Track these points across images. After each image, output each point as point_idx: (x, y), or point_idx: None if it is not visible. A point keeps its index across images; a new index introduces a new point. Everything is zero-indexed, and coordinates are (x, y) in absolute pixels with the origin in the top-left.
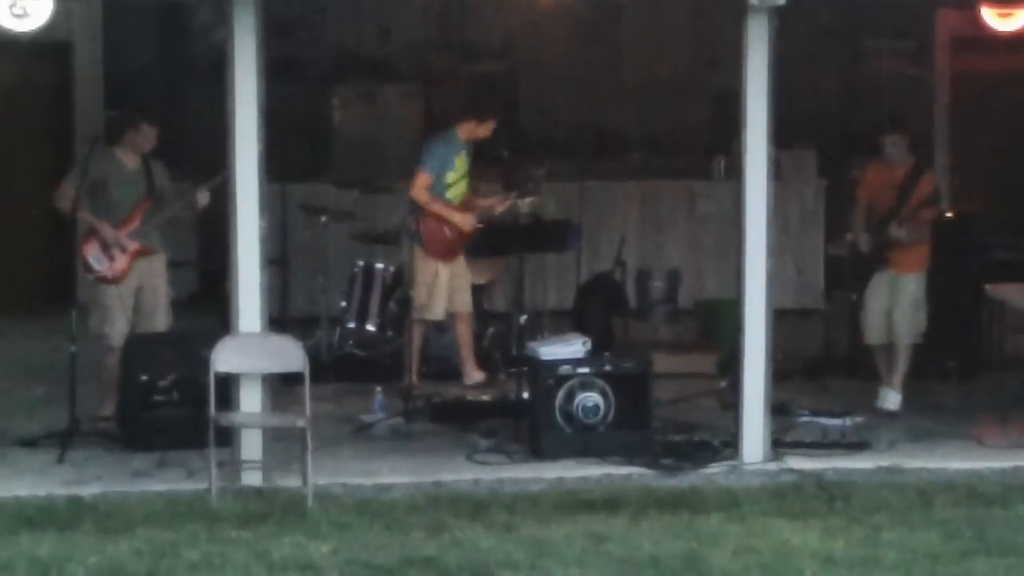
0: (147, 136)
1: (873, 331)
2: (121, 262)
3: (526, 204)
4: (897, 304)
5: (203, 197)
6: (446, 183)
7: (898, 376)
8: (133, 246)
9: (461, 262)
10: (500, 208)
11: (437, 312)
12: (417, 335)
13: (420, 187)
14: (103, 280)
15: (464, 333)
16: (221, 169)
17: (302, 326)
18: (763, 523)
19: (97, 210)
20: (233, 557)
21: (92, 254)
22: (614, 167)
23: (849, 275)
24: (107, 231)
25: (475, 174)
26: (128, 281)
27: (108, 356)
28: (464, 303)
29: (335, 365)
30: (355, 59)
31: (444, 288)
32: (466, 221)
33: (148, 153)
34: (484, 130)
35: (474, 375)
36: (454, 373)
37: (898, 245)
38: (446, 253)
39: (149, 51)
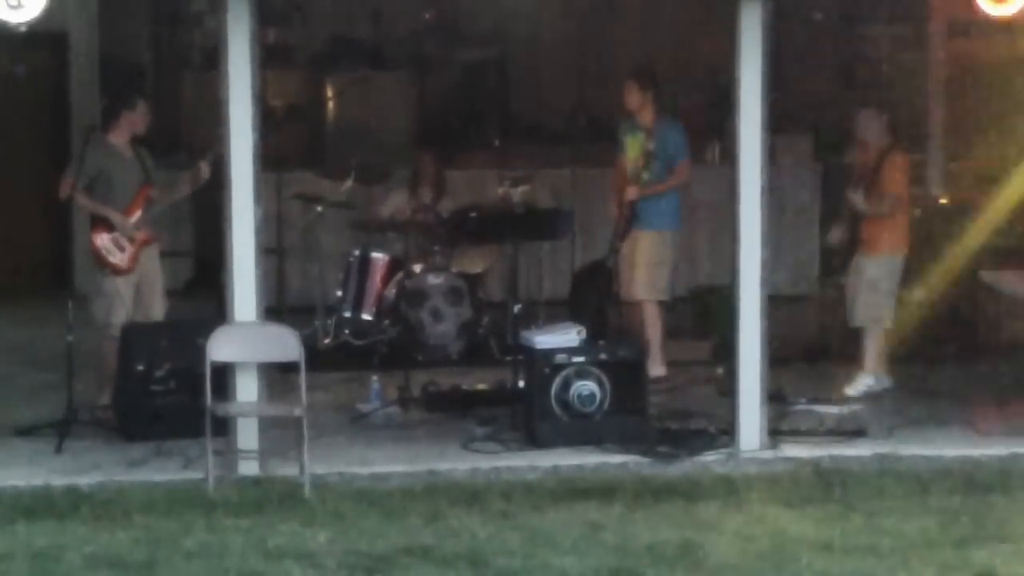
0: (143, 115)
1: (848, 313)
2: (131, 252)
3: (518, 193)
4: (857, 285)
5: (205, 168)
6: (628, 165)
7: (867, 361)
8: (141, 235)
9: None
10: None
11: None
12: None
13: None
14: (117, 271)
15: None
16: (213, 145)
17: (298, 315)
18: (760, 511)
19: (102, 201)
20: (230, 546)
21: (104, 245)
22: (607, 153)
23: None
24: (118, 218)
25: (465, 160)
26: (134, 271)
27: (106, 345)
28: None
29: (331, 354)
30: (348, 46)
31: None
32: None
33: (135, 138)
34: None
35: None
36: (449, 362)
37: (866, 221)
38: None
39: (145, 40)
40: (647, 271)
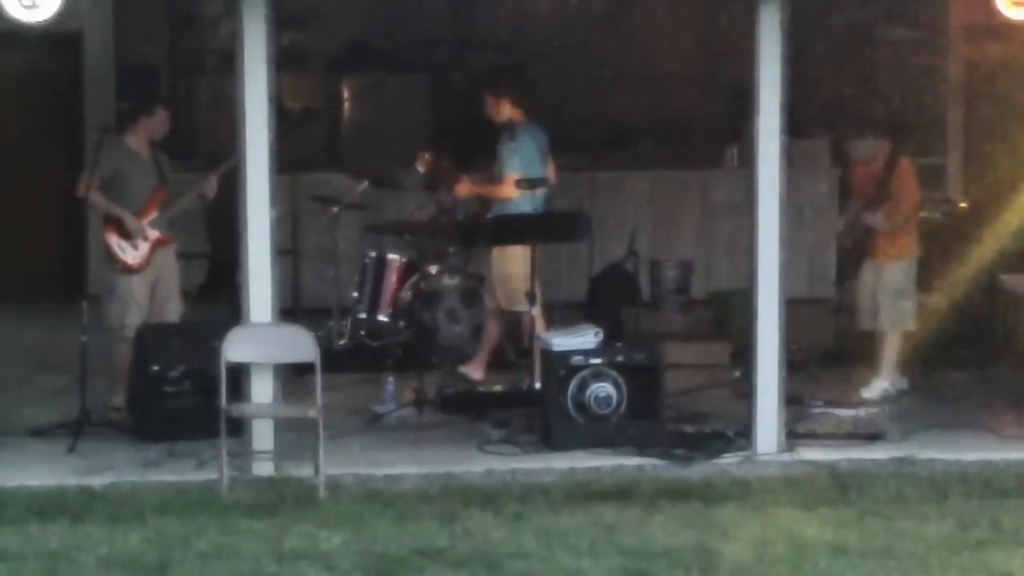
0: (161, 122)
1: (862, 318)
2: (143, 251)
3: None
4: (879, 292)
5: (211, 187)
6: None
7: (884, 365)
8: (154, 235)
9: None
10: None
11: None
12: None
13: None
14: (127, 269)
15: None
16: (227, 157)
17: (313, 316)
18: (776, 514)
19: (116, 201)
20: (244, 547)
21: (116, 243)
22: (625, 158)
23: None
24: (130, 220)
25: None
26: (147, 271)
27: (120, 346)
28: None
29: (346, 355)
30: (364, 49)
31: None
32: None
33: (154, 141)
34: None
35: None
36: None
37: (879, 232)
38: None
39: (160, 42)
40: (498, 284)
